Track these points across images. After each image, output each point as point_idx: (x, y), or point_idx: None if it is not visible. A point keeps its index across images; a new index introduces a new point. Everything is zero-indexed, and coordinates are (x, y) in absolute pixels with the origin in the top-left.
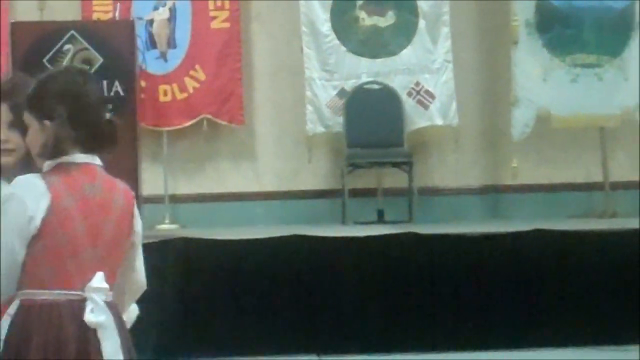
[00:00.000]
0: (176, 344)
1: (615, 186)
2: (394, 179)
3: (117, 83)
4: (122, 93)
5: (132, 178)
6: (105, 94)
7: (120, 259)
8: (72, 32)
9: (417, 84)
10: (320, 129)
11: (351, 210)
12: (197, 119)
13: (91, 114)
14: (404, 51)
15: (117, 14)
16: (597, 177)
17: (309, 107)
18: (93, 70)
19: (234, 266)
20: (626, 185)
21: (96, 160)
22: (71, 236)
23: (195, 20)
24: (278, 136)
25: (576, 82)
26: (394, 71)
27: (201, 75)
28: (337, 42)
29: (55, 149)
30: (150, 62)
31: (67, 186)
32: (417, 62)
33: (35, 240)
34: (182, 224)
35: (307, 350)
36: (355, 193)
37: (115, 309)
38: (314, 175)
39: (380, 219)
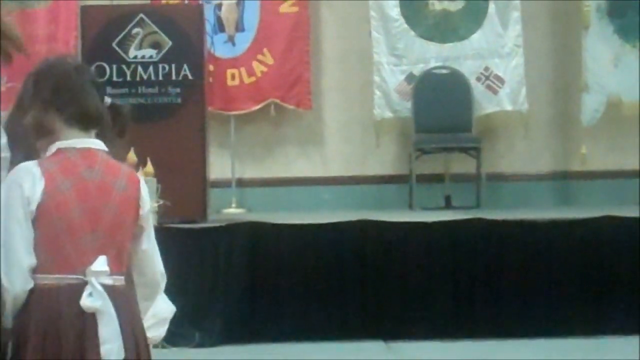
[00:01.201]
0: (243, 328)
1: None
2: (462, 164)
3: (185, 67)
4: (190, 77)
5: (200, 162)
6: (174, 77)
7: (126, 244)
8: (141, 15)
9: (487, 68)
10: (388, 114)
11: (418, 195)
12: (265, 103)
13: (76, 96)
14: (474, 36)
15: None
16: None
17: (377, 92)
18: (162, 53)
19: (300, 251)
20: None
21: (98, 145)
22: (68, 220)
23: (263, 4)
24: (345, 121)
25: None
26: (463, 56)
27: (269, 60)
28: (406, 26)
29: (40, 132)
30: (218, 46)
31: (63, 171)
32: (487, 46)
33: (34, 225)
34: (249, 209)
35: (373, 336)
36: (423, 178)
37: (120, 294)
38: (381, 160)
39: (448, 204)
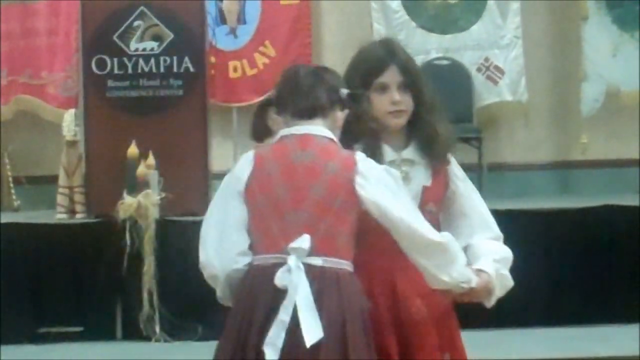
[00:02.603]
0: None
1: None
2: (464, 154)
3: (186, 59)
4: (192, 69)
5: (202, 154)
6: (175, 70)
7: (339, 226)
8: (142, 8)
9: (487, 59)
10: None
11: None
12: (267, 95)
13: (299, 93)
14: (474, 27)
15: None
16: None
17: None
18: (163, 46)
19: None
20: None
21: (318, 131)
22: (272, 199)
23: None
24: None
25: None
26: (464, 47)
27: (271, 51)
28: (406, 17)
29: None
30: (220, 38)
31: (275, 155)
32: (487, 37)
33: (246, 208)
34: None
35: None
36: None
37: (332, 277)
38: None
39: None
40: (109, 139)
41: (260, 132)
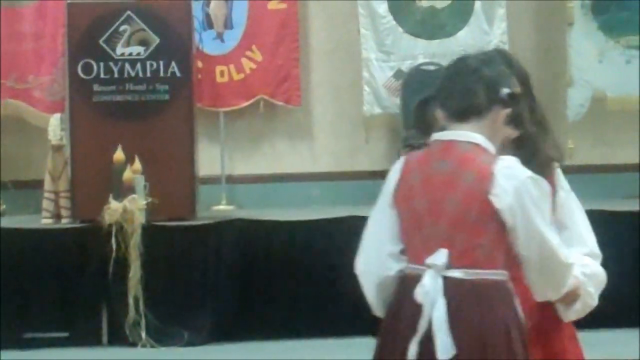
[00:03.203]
0: (232, 326)
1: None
2: None
3: (173, 64)
4: (178, 74)
5: (188, 159)
6: (162, 74)
7: (475, 239)
8: (129, 12)
9: None
10: (377, 110)
11: None
12: (254, 99)
13: (454, 91)
14: (460, 32)
15: None
16: None
17: (366, 88)
18: (149, 50)
19: (289, 247)
20: None
21: (464, 137)
22: (413, 211)
23: (252, 1)
24: (335, 117)
25: (631, 63)
26: (450, 52)
27: (258, 56)
28: (394, 23)
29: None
30: (207, 43)
31: (419, 163)
32: (473, 43)
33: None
34: (239, 205)
35: (365, 332)
36: None
37: (472, 290)
38: (370, 156)
39: None
40: (95, 143)
41: (421, 128)
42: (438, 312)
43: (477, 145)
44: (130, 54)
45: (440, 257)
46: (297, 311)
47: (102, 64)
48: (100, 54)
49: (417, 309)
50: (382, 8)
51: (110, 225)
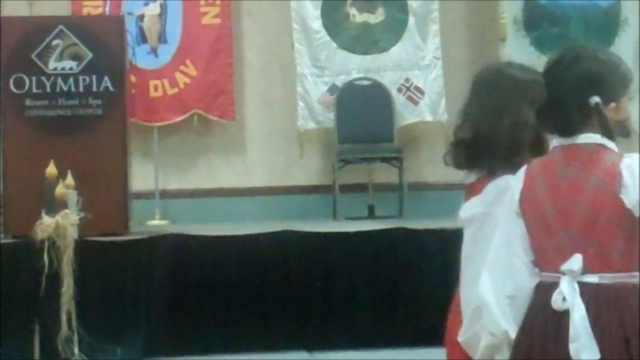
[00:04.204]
0: (165, 341)
1: None
2: (385, 174)
3: (106, 78)
4: (111, 88)
5: (122, 174)
6: (94, 89)
7: (610, 241)
8: (61, 27)
9: (407, 80)
10: (311, 125)
11: (342, 205)
12: (188, 114)
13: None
14: (394, 48)
15: (107, 9)
16: None
17: (300, 103)
18: (82, 65)
19: (223, 262)
20: None
21: (586, 139)
22: (542, 218)
23: (186, 15)
24: (269, 132)
25: None
26: (384, 67)
27: (192, 71)
28: (327, 38)
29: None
30: (141, 58)
31: (542, 170)
32: (407, 58)
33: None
34: (173, 220)
35: (297, 346)
36: (346, 188)
37: (609, 293)
38: (305, 170)
39: (371, 214)
40: (28, 158)
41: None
42: (578, 315)
43: (600, 145)
44: (63, 69)
45: (576, 262)
46: (229, 327)
47: (34, 79)
48: (32, 69)
49: (552, 317)
50: (316, 23)
51: (42, 241)
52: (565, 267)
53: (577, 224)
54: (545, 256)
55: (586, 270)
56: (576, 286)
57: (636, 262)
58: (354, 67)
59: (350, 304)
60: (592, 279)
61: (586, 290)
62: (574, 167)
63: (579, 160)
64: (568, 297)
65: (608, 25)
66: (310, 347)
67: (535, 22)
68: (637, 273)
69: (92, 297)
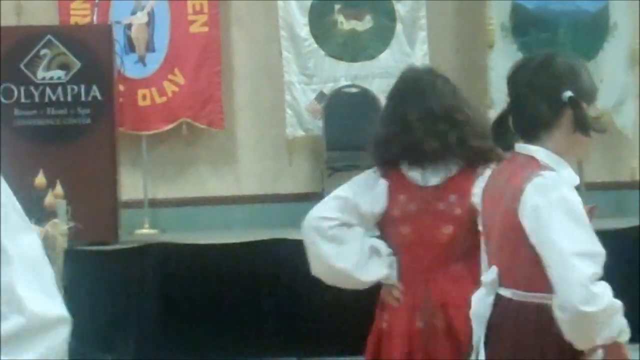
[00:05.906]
0: (156, 350)
1: (591, 187)
2: None
3: (95, 87)
4: (100, 97)
5: (111, 183)
6: (83, 98)
7: (515, 258)
8: (49, 36)
9: None
10: (300, 133)
11: None
12: (177, 123)
13: (515, 103)
14: (382, 55)
15: (95, 18)
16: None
17: (289, 111)
18: (71, 74)
19: (213, 271)
20: (601, 187)
21: (524, 150)
22: (482, 225)
23: (174, 24)
24: (258, 140)
25: None
26: (372, 74)
27: (180, 79)
28: (315, 46)
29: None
30: (128, 66)
31: (491, 177)
32: (395, 65)
33: None
34: (162, 229)
35: (286, 354)
36: None
37: (508, 307)
38: (294, 178)
39: None
40: (16, 168)
41: (503, 146)
42: (480, 331)
43: (532, 158)
44: (52, 78)
45: (491, 274)
46: (220, 335)
47: (22, 88)
48: (20, 78)
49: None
50: (304, 31)
51: None
52: (484, 277)
53: (495, 236)
54: (484, 268)
55: (502, 284)
56: (491, 298)
57: (543, 285)
58: (342, 74)
59: (341, 311)
60: (507, 293)
61: (499, 303)
62: (502, 178)
63: (508, 172)
64: (479, 308)
65: (597, 30)
66: (299, 354)
67: (523, 28)
68: (545, 295)
69: (82, 307)
